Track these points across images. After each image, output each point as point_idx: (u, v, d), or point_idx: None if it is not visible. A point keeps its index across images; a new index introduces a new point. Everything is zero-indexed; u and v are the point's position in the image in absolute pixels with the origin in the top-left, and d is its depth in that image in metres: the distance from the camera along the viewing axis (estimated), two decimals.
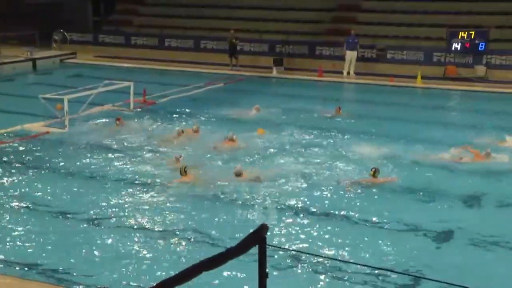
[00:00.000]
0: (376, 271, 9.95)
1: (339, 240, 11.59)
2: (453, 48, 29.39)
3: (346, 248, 11.25)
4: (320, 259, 10.58)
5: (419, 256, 10.92)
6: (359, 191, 14.01)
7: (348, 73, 29.49)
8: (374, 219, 12.47)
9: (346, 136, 18.62)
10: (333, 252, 11.08)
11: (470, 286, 5.37)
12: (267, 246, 5.50)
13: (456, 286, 5.92)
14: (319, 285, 9.90)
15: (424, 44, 31.06)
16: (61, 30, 36.08)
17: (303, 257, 10.71)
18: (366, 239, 11.66)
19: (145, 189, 13.97)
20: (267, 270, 5.40)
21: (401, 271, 10.06)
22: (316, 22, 34.69)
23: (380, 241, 11.51)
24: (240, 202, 13.30)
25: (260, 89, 27.08)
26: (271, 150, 17.20)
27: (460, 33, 29.26)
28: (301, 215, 12.71)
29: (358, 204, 13.32)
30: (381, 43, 31.63)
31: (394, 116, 21.87)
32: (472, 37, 29.08)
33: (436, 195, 13.81)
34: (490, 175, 15.24)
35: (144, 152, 16.82)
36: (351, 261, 10.59)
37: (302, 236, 11.70)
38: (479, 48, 29.16)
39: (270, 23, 34.80)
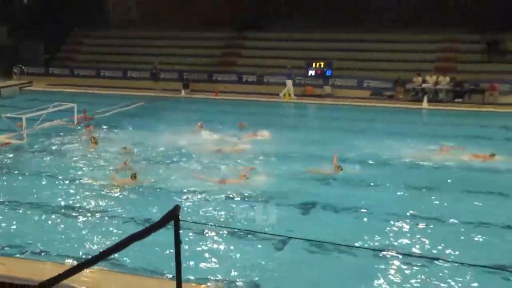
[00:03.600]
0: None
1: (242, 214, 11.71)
2: (309, 74, 30.10)
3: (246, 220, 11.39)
4: (226, 230, 10.66)
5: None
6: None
7: (285, 95, 28.75)
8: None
9: (247, 140, 18.37)
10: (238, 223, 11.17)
11: None
12: (180, 221, 5.57)
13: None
14: (223, 251, 9.95)
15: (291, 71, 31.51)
16: (20, 65, 34.75)
17: (214, 229, 10.66)
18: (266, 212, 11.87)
19: (91, 186, 13.60)
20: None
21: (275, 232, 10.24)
22: (212, 57, 34.74)
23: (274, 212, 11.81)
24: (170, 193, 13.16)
25: (172, 106, 26.79)
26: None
27: (314, 63, 30.06)
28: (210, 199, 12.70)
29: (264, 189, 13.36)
30: (259, 70, 32.02)
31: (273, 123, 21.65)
32: (322, 66, 29.94)
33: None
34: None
35: (87, 156, 16.41)
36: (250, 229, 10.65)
37: (215, 212, 11.78)
38: (327, 74, 29.98)
39: (181, 58, 34.55)
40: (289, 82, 28.97)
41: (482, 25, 31.50)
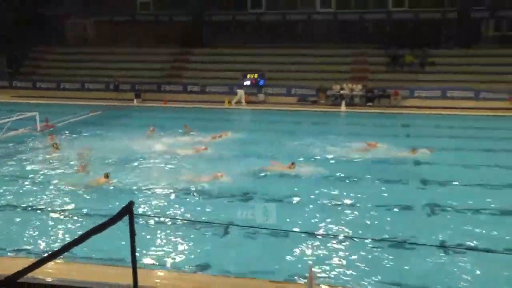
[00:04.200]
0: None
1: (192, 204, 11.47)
2: (245, 84, 29.97)
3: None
4: (178, 221, 10.37)
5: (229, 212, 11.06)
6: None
7: (240, 103, 28.66)
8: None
9: (190, 144, 17.98)
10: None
11: None
12: (134, 215, 5.41)
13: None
14: (175, 239, 9.75)
15: (229, 82, 31.35)
16: None
17: (167, 221, 10.40)
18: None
19: (55, 186, 12.99)
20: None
21: (224, 222, 10.12)
22: (161, 70, 34.19)
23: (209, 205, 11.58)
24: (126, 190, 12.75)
25: (126, 114, 26.14)
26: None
27: (249, 75, 30.03)
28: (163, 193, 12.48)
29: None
30: (202, 82, 31.81)
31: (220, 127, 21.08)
32: (256, 77, 29.96)
33: None
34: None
35: (50, 160, 15.70)
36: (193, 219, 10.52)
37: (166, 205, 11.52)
38: (260, 83, 30.03)
39: (133, 71, 33.73)
40: (241, 92, 28.83)
41: (385, 43, 32.68)
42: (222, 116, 25.83)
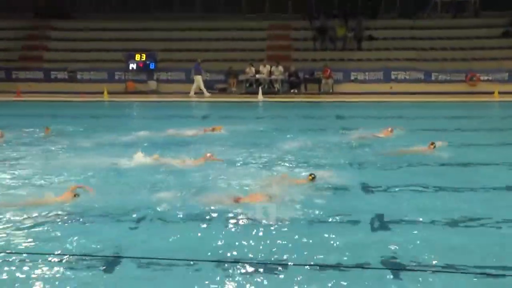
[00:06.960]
0: None
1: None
2: (130, 68, 29.36)
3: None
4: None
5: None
6: None
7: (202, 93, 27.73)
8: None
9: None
10: None
11: None
12: None
13: None
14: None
15: (108, 65, 30.36)
16: None
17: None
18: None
19: None
20: None
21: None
22: (10, 50, 32.06)
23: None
24: None
25: None
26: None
27: (136, 55, 29.27)
28: None
29: None
30: (72, 66, 30.32)
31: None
32: (144, 59, 29.33)
33: None
34: None
35: None
36: None
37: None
38: (150, 67, 29.47)
39: None
40: (198, 78, 27.73)
41: (310, 12, 33.23)
42: (98, 111, 24.26)
